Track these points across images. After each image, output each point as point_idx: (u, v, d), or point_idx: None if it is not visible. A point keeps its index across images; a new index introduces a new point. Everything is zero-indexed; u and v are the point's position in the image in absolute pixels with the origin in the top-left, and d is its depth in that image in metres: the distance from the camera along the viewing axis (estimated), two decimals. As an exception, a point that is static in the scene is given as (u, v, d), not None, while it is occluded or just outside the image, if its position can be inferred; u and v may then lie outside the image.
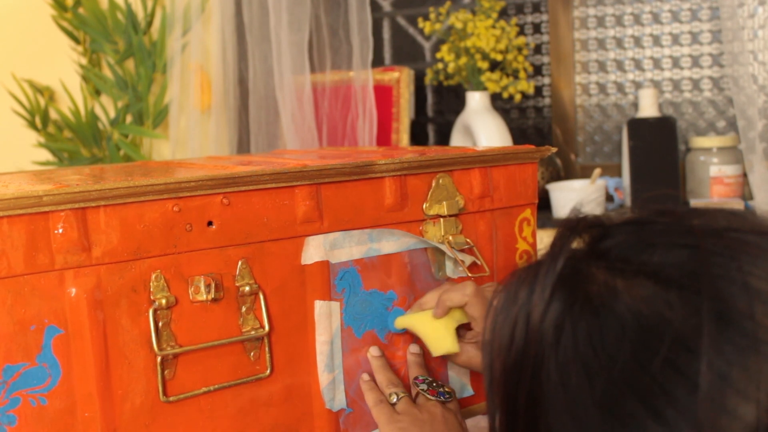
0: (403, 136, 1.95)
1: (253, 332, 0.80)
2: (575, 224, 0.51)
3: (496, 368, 0.50)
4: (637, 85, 1.94)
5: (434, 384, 0.88)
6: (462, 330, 0.88)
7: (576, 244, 0.50)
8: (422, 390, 0.86)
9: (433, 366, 0.93)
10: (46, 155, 2.25)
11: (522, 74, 1.90)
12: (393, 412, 0.84)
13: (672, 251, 0.46)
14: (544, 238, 1.58)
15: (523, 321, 0.48)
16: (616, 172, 1.94)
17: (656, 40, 1.91)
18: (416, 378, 0.88)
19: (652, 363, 0.42)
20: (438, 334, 0.86)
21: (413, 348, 0.91)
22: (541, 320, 0.47)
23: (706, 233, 0.47)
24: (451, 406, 0.86)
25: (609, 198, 1.86)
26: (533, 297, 0.48)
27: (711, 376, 0.41)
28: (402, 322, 0.89)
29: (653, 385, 0.42)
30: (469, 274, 0.92)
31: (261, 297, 0.80)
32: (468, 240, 0.93)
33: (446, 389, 0.87)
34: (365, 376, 0.88)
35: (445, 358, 0.92)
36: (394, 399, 0.85)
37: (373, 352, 0.89)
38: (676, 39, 1.89)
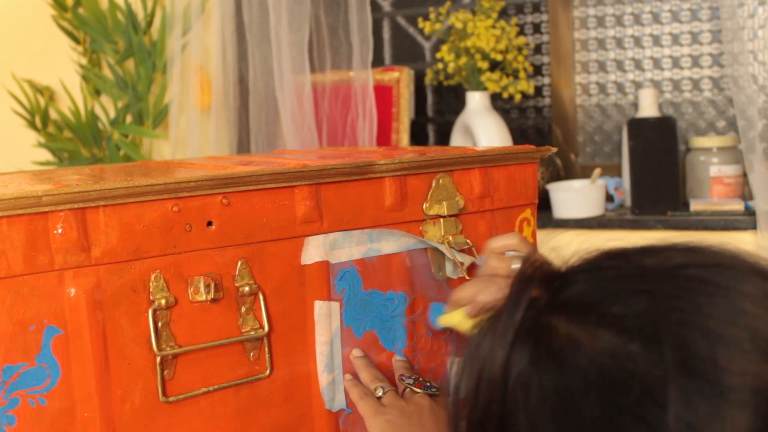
0: (403, 136, 1.95)
1: (252, 332, 0.80)
2: (531, 274, 0.50)
3: (461, 426, 0.49)
4: (637, 85, 1.94)
5: (420, 379, 0.87)
6: None
7: (536, 293, 0.49)
8: (408, 384, 0.85)
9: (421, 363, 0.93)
10: (46, 155, 2.25)
11: (522, 74, 1.90)
12: (379, 404, 0.83)
13: (630, 300, 0.45)
14: (545, 239, 1.58)
15: (486, 378, 0.47)
16: (616, 172, 1.94)
17: (656, 40, 1.91)
18: (402, 375, 0.87)
19: (621, 418, 0.42)
20: None
21: (398, 356, 0.91)
22: (503, 377, 0.46)
23: (660, 276, 0.46)
24: (439, 399, 0.85)
25: (609, 198, 1.86)
26: (494, 352, 0.47)
27: (680, 428, 0.41)
28: (443, 321, 0.88)
29: None
30: (467, 277, 0.92)
31: (261, 297, 0.80)
32: (468, 240, 0.93)
33: (433, 384, 0.86)
34: (348, 376, 0.87)
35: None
36: (379, 392, 0.84)
37: (355, 353, 0.88)
38: (676, 39, 1.89)
